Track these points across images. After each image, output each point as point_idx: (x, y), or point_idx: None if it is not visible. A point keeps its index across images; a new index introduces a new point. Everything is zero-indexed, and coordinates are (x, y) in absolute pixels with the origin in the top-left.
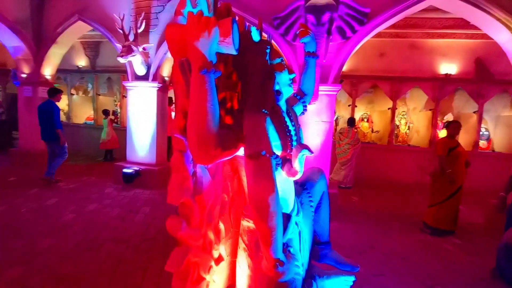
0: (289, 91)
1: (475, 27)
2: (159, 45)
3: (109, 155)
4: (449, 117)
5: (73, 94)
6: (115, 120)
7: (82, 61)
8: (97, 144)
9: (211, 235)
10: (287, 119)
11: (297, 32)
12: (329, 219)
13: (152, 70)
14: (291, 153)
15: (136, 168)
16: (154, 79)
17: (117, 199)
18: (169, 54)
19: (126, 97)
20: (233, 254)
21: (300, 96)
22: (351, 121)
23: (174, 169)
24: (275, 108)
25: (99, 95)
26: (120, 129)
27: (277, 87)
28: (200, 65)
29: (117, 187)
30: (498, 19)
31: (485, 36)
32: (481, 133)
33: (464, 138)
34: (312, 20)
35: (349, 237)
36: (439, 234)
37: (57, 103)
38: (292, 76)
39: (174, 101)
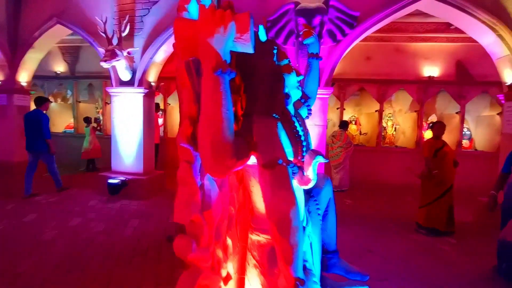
0: (297, 94)
1: (456, 31)
2: (144, 49)
3: (92, 165)
4: (433, 118)
5: (51, 102)
6: (98, 128)
7: (60, 67)
8: (78, 154)
9: (219, 253)
10: (296, 123)
11: (301, 33)
12: (336, 226)
13: (138, 75)
14: (303, 160)
15: (122, 178)
16: (139, 85)
17: (103, 212)
18: (156, 58)
19: (109, 103)
20: (241, 271)
21: (304, 99)
22: (344, 124)
23: (182, 183)
24: (285, 112)
25: (80, 102)
26: (104, 137)
27: (286, 90)
28: (214, 65)
29: (102, 199)
30: (483, 22)
31: (465, 40)
32: (463, 132)
33: (447, 138)
34: (303, 23)
35: (346, 241)
36: (435, 233)
37: (45, 112)
38: (300, 78)
39: (161, 107)
